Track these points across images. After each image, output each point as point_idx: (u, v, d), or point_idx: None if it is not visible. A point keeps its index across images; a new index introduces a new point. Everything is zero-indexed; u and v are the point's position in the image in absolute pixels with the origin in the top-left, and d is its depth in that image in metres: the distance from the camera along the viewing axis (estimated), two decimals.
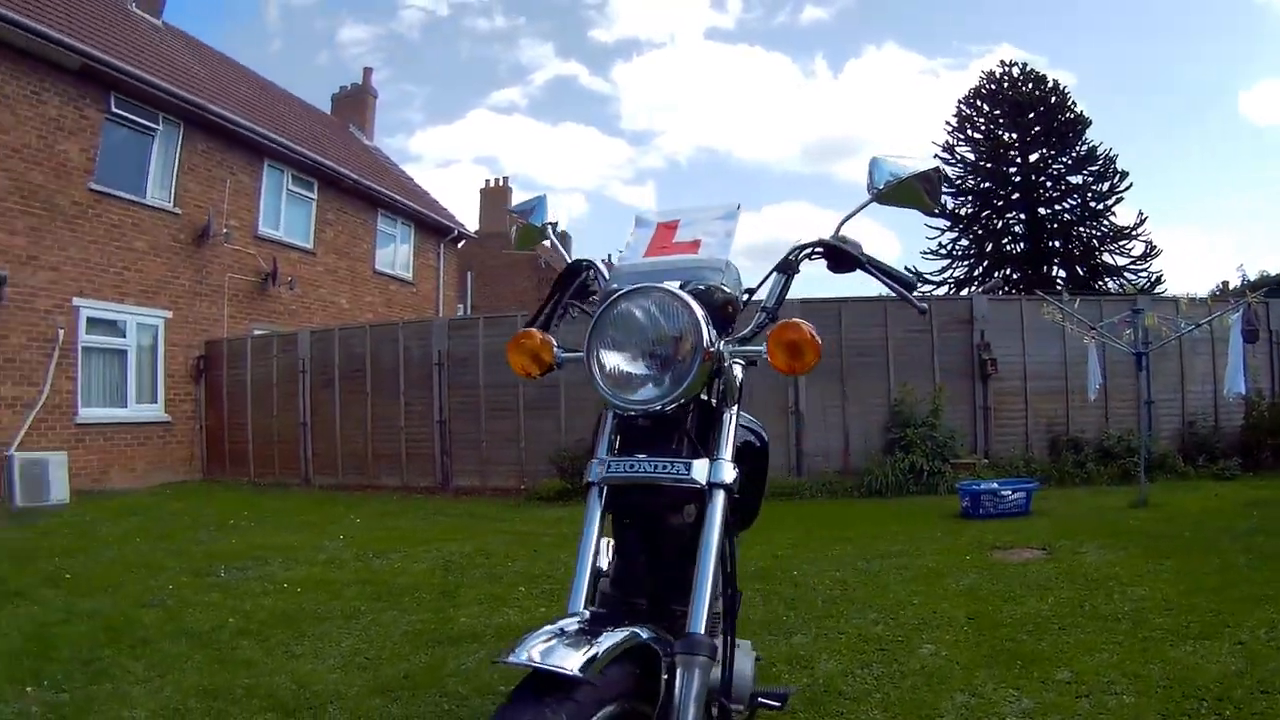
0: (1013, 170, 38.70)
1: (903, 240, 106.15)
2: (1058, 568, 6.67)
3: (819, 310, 12.71)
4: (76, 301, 15.08)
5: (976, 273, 38.83)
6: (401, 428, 15.29)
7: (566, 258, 2.63)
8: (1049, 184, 38.22)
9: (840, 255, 2.32)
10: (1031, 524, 8.96)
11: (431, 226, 25.68)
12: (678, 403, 2.02)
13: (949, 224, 39.01)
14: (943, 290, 37.96)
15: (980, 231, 38.95)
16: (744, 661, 2.32)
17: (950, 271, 39.30)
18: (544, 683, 1.58)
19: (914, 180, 2.27)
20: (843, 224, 2.34)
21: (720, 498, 1.97)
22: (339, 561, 8.28)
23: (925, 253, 42.43)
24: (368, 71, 29.49)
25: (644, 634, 1.80)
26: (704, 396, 2.15)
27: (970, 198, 39.23)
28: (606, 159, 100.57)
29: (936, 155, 37.85)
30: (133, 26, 18.53)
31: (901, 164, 2.29)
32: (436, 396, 14.89)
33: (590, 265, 2.57)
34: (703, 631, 1.83)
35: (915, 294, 2.35)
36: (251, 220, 19.19)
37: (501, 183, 39.63)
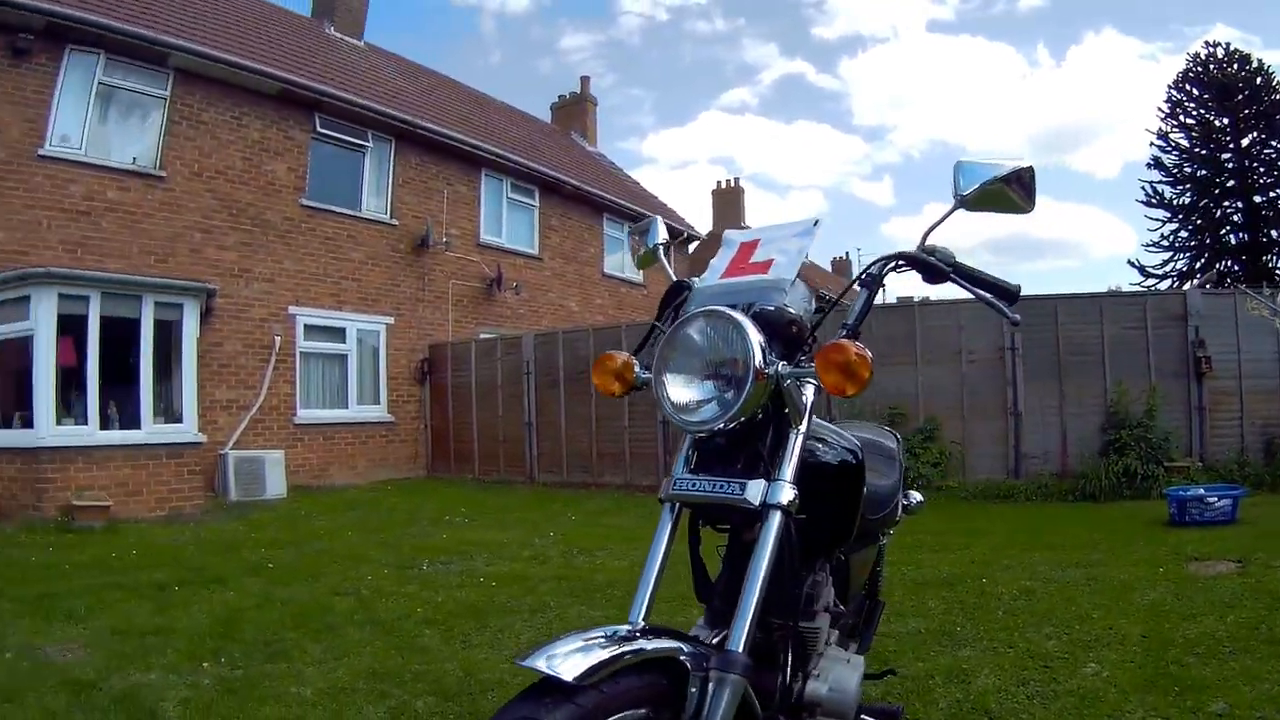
0: (1226, 156, 34.74)
1: (1138, 232, 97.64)
2: (1246, 583, 6.16)
3: (1033, 306, 12.06)
4: (293, 310, 15.53)
5: (1197, 265, 35.15)
6: (625, 427, 15.06)
7: (671, 277, 2.60)
8: (1262, 170, 34.08)
9: (928, 267, 2.23)
10: (1235, 533, 8.37)
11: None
12: (735, 422, 1.99)
13: (1169, 215, 35.56)
14: (1165, 284, 34.57)
15: (1199, 221, 35.09)
16: (847, 676, 2.30)
17: (1172, 264, 35.64)
18: (550, 687, 1.62)
19: (1003, 183, 2.15)
20: (928, 234, 2.25)
21: (775, 519, 1.94)
22: (543, 558, 8.45)
23: (1147, 245, 38.81)
24: (585, 80, 29.49)
25: (679, 647, 1.81)
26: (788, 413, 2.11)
27: (1188, 186, 35.47)
28: (842, 155, 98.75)
29: (1152, 143, 35.75)
30: (333, 49, 19.14)
31: (989, 167, 2.17)
32: None
33: (689, 286, 2.47)
34: (742, 649, 1.81)
35: (1011, 305, 2.25)
36: (473, 228, 19.29)
37: (733, 183, 39.43)
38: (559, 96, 29.36)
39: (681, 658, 1.79)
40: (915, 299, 17.47)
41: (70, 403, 11.47)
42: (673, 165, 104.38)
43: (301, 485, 14.49)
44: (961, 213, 2.20)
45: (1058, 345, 12.39)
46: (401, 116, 17.47)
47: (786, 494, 1.96)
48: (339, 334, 16.42)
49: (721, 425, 2.00)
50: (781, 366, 2.01)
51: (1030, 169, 2.18)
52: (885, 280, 2.31)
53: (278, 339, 15.08)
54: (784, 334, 2.08)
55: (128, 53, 13.43)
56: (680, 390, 2.09)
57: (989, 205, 2.18)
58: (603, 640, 1.75)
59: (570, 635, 1.74)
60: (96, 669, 4.80)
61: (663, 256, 2.76)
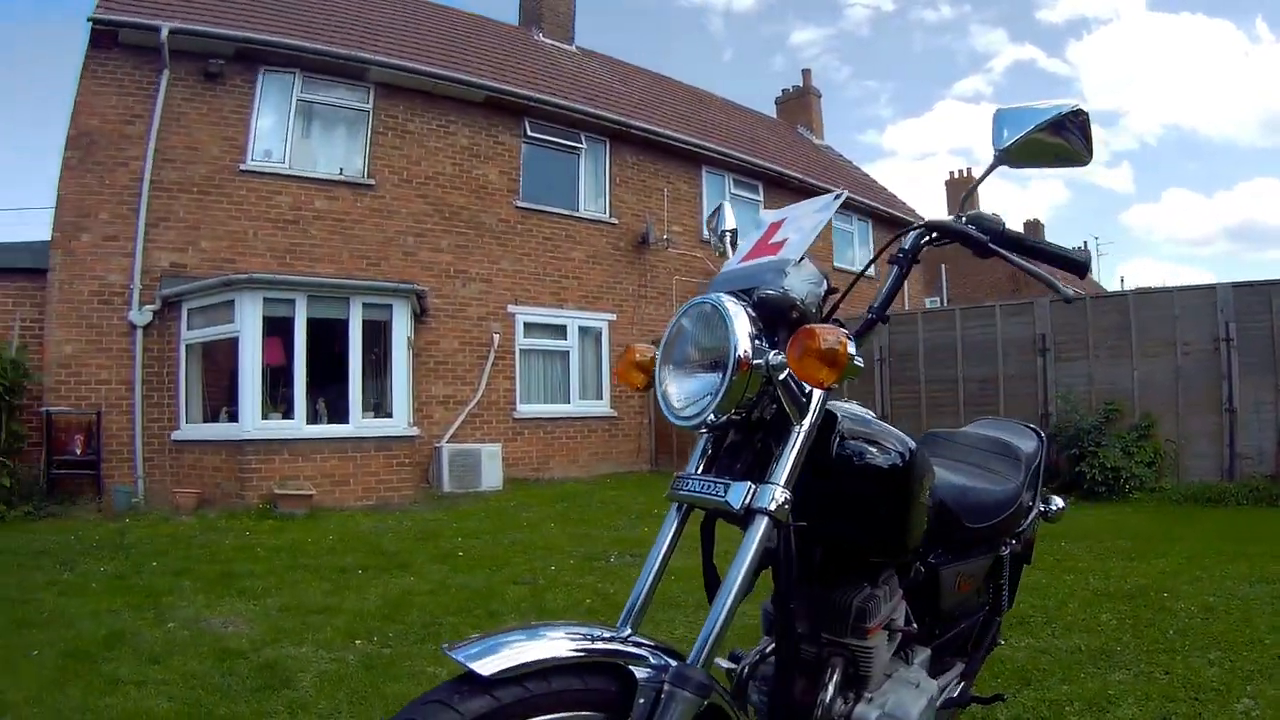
0: None
1: None
2: None
3: (1249, 293, 11.01)
4: (512, 308, 15.40)
5: None
6: None
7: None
8: None
9: (967, 238, 2.01)
10: None
11: (890, 221, 23.58)
12: (723, 416, 1.82)
13: None
14: None
15: None
16: (909, 701, 2.11)
17: None
18: (475, 678, 1.50)
19: (1050, 131, 1.90)
20: (966, 199, 2.14)
21: (759, 525, 1.74)
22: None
23: None
24: (806, 73, 28.41)
25: (624, 652, 1.68)
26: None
27: None
28: None
29: None
30: (542, 55, 19.02)
31: (1031, 112, 1.92)
32: (878, 392, 13.66)
33: None
34: (701, 665, 1.66)
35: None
36: (695, 225, 18.54)
37: (966, 173, 37.98)
38: (783, 91, 28.53)
39: (629, 665, 1.66)
40: (1130, 287, 15.57)
41: (278, 399, 11.78)
42: (914, 157, 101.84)
43: (520, 478, 14.34)
44: (1015, 171, 2.07)
45: (1272, 335, 10.84)
46: (613, 117, 17.11)
47: (774, 498, 1.75)
48: (560, 331, 16.18)
49: (712, 419, 1.83)
50: (773, 356, 1.78)
51: (1081, 112, 1.93)
52: (920, 256, 2.10)
53: (496, 336, 15.01)
54: (786, 320, 1.87)
55: (324, 70, 13.72)
56: (674, 383, 1.94)
57: (1036, 158, 1.98)
58: (544, 638, 1.64)
59: (514, 629, 1.68)
60: (251, 641, 4.96)
61: (728, 244, 2.44)
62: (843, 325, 1.81)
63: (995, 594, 2.84)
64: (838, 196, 2.12)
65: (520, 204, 15.76)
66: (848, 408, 2.11)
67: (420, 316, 13.94)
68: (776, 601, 1.91)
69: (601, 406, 16.60)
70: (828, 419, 1.95)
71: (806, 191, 20.25)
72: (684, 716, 1.60)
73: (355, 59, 13.73)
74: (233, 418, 11.46)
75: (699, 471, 1.98)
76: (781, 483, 1.76)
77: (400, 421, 12.49)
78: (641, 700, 1.63)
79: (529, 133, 16.04)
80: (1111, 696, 3.90)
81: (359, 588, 6.46)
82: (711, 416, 1.81)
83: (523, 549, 8.11)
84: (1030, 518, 2.95)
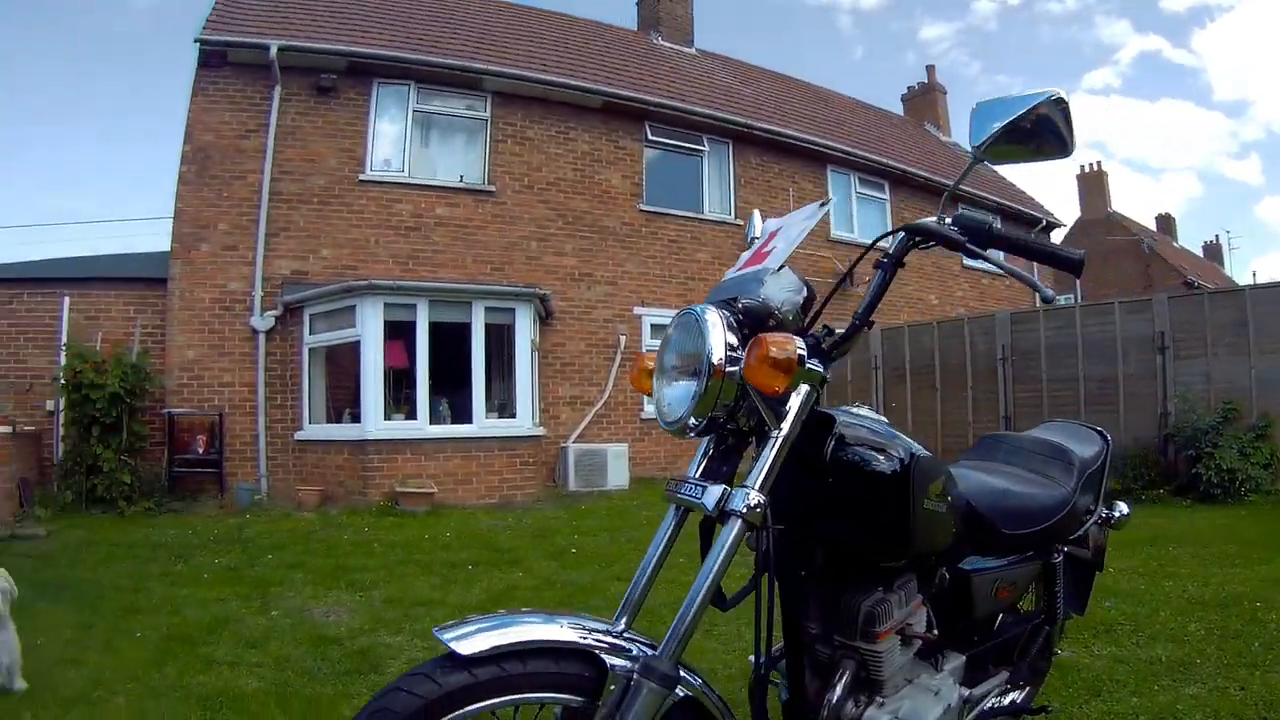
0: None
1: None
2: None
3: None
4: (638, 310, 15.10)
5: None
6: (969, 424, 13.42)
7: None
8: None
9: (948, 240, 1.95)
10: None
11: (1017, 218, 22.53)
12: (699, 420, 1.86)
13: None
14: None
15: None
16: (922, 709, 2.13)
17: None
18: (454, 658, 1.62)
19: (1027, 122, 1.87)
20: (946, 199, 2.01)
21: (732, 526, 1.77)
22: None
23: None
24: (930, 68, 27.29)
25: (601, 643, 1.76)
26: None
27: None
28: (1207, 133, 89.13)
29: None
30: (661, 59, 18.71)
31: (1005, 104, 1.88)
32: (1001, 391, 13.15)
33: None
34: (669, 659, 1.73)
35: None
36: (822, 225, 17.78)
37: (1096, 167, 36.40)
38: (908, 88, 27.68)
39: (602, 654, 1.74)
40: (1246, 283, 14.45)
41: (401, 400, 11.74)
42: None
43: (647, 477, 13.98)
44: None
45: None
46: (735, 119, 16.65)
47: (747, 501, 1.75)
48: None
49: (693, 423, 1.86)
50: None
51: (1061, 100, 1.89)
52: (905, 260, 2.01)
53: (622, 338, 14.74)
54: (765, 328, 1.88)
55: (438, 81, 13.72)
56: (662, 389, 1.98)
57: (1014, 154, 1.93)
58: (527, 624, 1.74)
59: (500, 614, 1.77)
60: (349, 629, 5.04)
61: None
62: (807, 333, 1.94)
63: (1049, 602, 2.78)
64: (823, 205, 2.18)
65: (644, 207, 15.46)
66: (859, 413, 2.12)
67: (545, 319, 13.81)
68: (760, 604, 1.87)
69: None
70: (825, 422, 1.99)
71: (932, 190, 19.92)
72: (649, 706, 1.67)
73: (469, 69, 13.70)
74: (356, 418, 11.55)
75: (696, 474, 1.99)
76: (755, 486, 1.77)
77: (524, 422, 12.32)
78: (613, 688, 1.71)
79: (650, 136, 15.74)
80: (1179, 712, 3.70)
81: (466, 582, 6.45)
82: (692, 420, 1.85)
83: (636, 547, 7.89)
84: (1088, 524, 2.86)
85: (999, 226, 1.95)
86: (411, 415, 11.52)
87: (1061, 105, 1.88)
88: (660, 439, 14.88)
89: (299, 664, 4.34)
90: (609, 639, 1.78)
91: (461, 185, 13.77)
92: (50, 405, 11.62)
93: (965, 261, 19.89)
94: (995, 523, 2.31)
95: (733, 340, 1.82)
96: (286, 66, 12.44)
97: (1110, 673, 4.01)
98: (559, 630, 1.74)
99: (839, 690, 2.00)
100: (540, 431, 12.68)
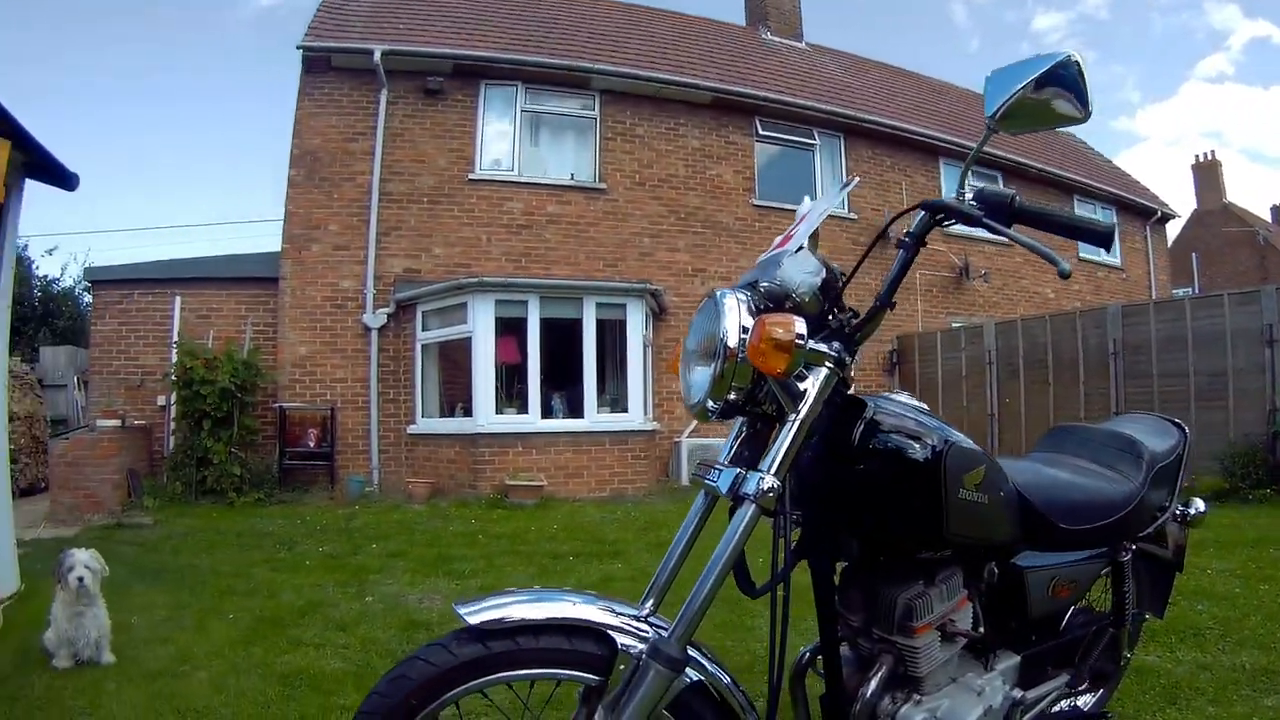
0: None
1: None
2: None
3: None
4: None
5: None
6: (1081, 419, 12.48)
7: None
8: None
9: (965, 216, 1.94)
10: None
11: (1133, 209, 21.57)
12: (716, 403, 1.83)
13: None
14: None
15: None
16: (961, 709, 2.06)
17: None
18: (476, 630, 1.70)
19: (1041, 88, 1.80)
20: (966, 174, 2.01)
21: (745, 510, 1.74)
22: None
23: None
24: None
25: (613, 623, 1.77)
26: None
27: None
28: None
29: None
30: (770, 53, 18.27)
31: (1017, 69, 1.82)
32: (1112, 387, 12.60)
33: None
34: (678, 642, 1.73)
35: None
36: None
37: (1210, 156, 34.95)
38: None
39: (616, 634, 1.76)
40: None
41: (513, 395, 11.73)
42: (1166, 142, 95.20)
43: None
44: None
45: None
46: (845, 112, 16.11)
47: (761, 485, 1.72)
48: None
49: (712, 405, 1.84)
50: (814, 344, 1.79)
51: (1073, 62, 1.80)
52: (928, 239, 2.02)
53: None
54: (783, 311, 1.83)
55: (546, 81, 13.63)
56: (687, 373, 1.97)
57: (1030, 121, 1.88)
58: (546, 602, 1.78)
59: (520, 591, 1.82)
60: (440, 615, 5.02)
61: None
62: (830, 314, 1.89)
63: (1117, 603, 2.63)
64: (846, 184, 2.18)
65: (756, 202, 15.05)
66: (900, 399, 2.04)
67: (659, 315, 13.59)
68: (775, 594, 1.83)
69: None
70: (856, 407, 1.93)
71: (1046, 181, 19.20)
72: (656, 687, 1.69)
73: (576, 69, 13.57)
74: (468, 413, 11.51)
75: (725, 459, 1.99)
76: (770, 471, 1.74)
77: (636, 416, 12.12)
78: (623, 667, 1.74)
79: (760, 131, 15.35)
80: None
81: (564, 572, 6.48)
82: (710, 404, 1.83)
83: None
84: (1160, 521, 2.69)
85: (1021, 201, 1.90)
86: (523, 410, 11.44)
87: (1072, 68, 1.80)
88: None
89: (384, 646, 4.37)
90: (626, 620, 1.79)
91: (572, 183, 13.65)
92: (161, 400, 11.99)
93: (1082, 254, 19.14)
94: (1051, 517, 2.16)
95: (748, 323, 1.77)
96: (392, 70, 12.58)
97: (1191, 680, 3.75)
98: (575, 608, 1.77)
99: (873, 685, 1.95)
100: (653, 426, 12.49)
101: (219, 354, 11.06)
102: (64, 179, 6.27)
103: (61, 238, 57.55)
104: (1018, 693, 2.22)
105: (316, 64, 12.60)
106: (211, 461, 10.64)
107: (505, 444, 11.05)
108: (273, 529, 8.52)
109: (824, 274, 1.90)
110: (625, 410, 12.15)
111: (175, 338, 11.84)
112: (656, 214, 14.16)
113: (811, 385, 1.79)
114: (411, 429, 12.06)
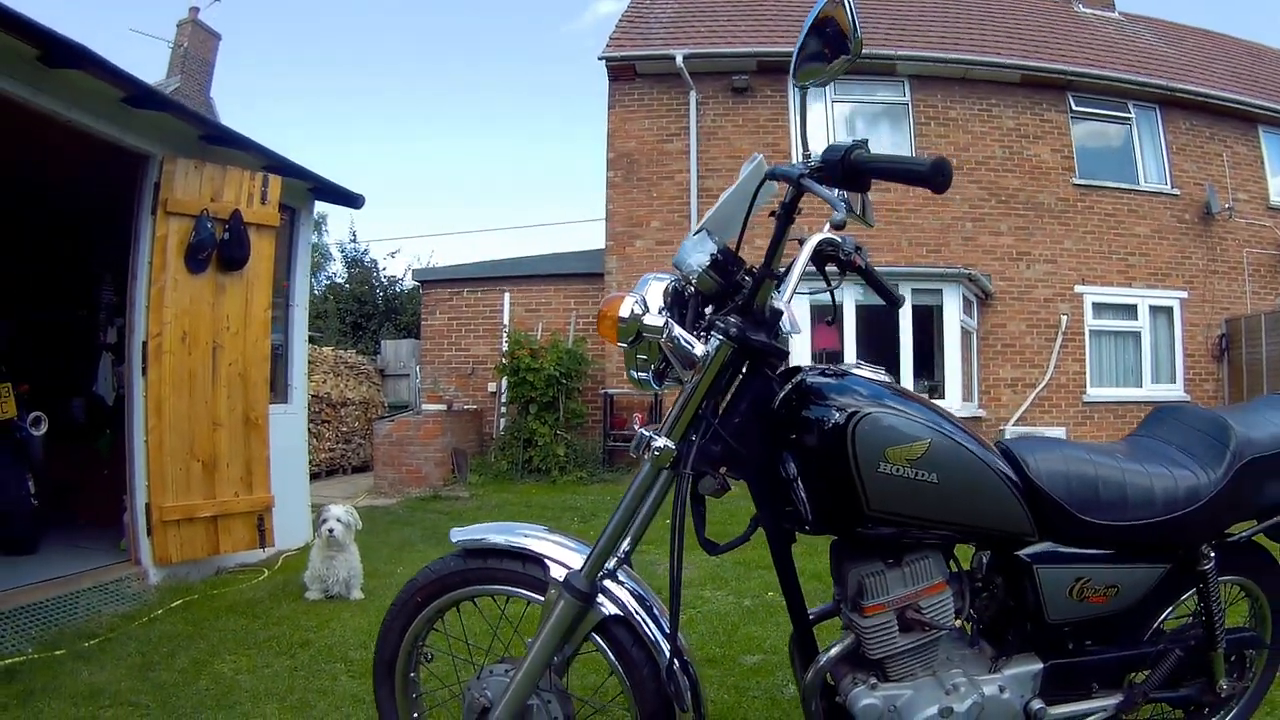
0: None
1: None
2: None
3: None
4: (1079, 289, 13.33)
5: None
6: None
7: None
8: None
9: (784, 178, 1.89)
10: None
11: None
12: (633, 374, 1.93)
13: None
14: None
15: None
16: (922, 705, 1.88)
17: None
18: (463, 551, 2.08)
19: (818, 37, 1.86)
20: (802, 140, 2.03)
21: (644, 467, 1.86)
22: None
23: None
24: None
25: (550, 558, 1.97)
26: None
27: None
28: None
29: None
30: (1081, 26, 16.49)
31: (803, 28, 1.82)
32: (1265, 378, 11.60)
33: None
34: (585, 578, 1.86)
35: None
36: (1260, 191, 14.87)
37: None
38: None
39: (552, 564, 1.95)
40: None
41: None
42: None
43: None
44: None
45: None
46: (1156, 83, 14.20)
47: (654, 444, 1.81)
48: (1129, 311, 13.74)
49: (635, 376, 1.91)
50: (648, 320, 1.82)
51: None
52: (800, 207, 1.86)
53: (1064, 318, 13.10)
54: (682, 293, 1.92)
55: (853, 70, 12.54)
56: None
57: (818, 71, 1.91)
58: (517, 532, 2.05)
59: (502, 525, 2.12)
60: (689, 580, 5.15)
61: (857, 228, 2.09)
62: (700, 293, 1.89)
63: (1207, 619, 2.11)
64: (750, 163, 2.01)
65: (1078, 181, 13.57)
66: (857, 372, 1.94)
67: (984, 300, 12.64)
68: (675, 555, 1.86)
69: (1175, 390, 13.72)
70: (791, 374, 1.90)
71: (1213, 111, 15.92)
72: (564, 616, 1.87)
73: (878, 57, 12.68)
74: None
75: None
76: (664, 432, 1.82)
77: (953, 401, 11.28)
78: (553, 592, 1.91)
79: (1074, 107, 13.81)
80: None
81: (806, 556, 6.04)
82: (634, 374, 1.90)
83: None
84: (1264, 526, 2.19)
85: (860, 152, 1.71)
86: None
87: (839, 5, 1.76)
88: (1103, 422, 13.18)
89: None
90: (570, 555, 1.95)
91: None
92: (492, 386, 12.52)
93: None
94: (1069, 507, 1.89)
95: (656, 302, 1.83)
96: (696, 72, 12.44)
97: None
98: (527, 540, 2.02)
99: (829, 655, 1.90)
100: (978, 413, 11.62)
101: (545, 344, 11.29)
102: (349, 200, 7.25)
103: (403, 242, 62.43)
104: (1037, 704, 1.91)
105: (622, 72, 12.68)
106: (537, 443, 10.94)
107: None
108: (582, 504, 8.62)
109: (716, 255, 1.85)
110: (942, 396, 11.32)
111: (505, 329, 12.21)
112: (976, 197, 13.15)
113: (702, 353, 1.79)
114: None
